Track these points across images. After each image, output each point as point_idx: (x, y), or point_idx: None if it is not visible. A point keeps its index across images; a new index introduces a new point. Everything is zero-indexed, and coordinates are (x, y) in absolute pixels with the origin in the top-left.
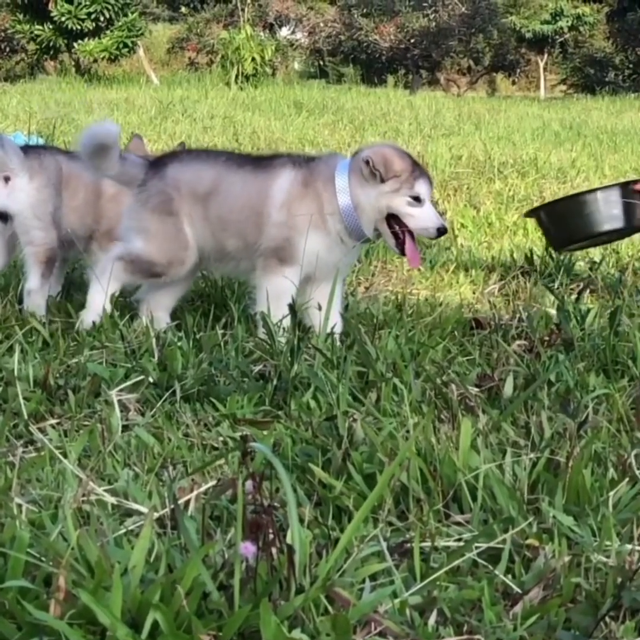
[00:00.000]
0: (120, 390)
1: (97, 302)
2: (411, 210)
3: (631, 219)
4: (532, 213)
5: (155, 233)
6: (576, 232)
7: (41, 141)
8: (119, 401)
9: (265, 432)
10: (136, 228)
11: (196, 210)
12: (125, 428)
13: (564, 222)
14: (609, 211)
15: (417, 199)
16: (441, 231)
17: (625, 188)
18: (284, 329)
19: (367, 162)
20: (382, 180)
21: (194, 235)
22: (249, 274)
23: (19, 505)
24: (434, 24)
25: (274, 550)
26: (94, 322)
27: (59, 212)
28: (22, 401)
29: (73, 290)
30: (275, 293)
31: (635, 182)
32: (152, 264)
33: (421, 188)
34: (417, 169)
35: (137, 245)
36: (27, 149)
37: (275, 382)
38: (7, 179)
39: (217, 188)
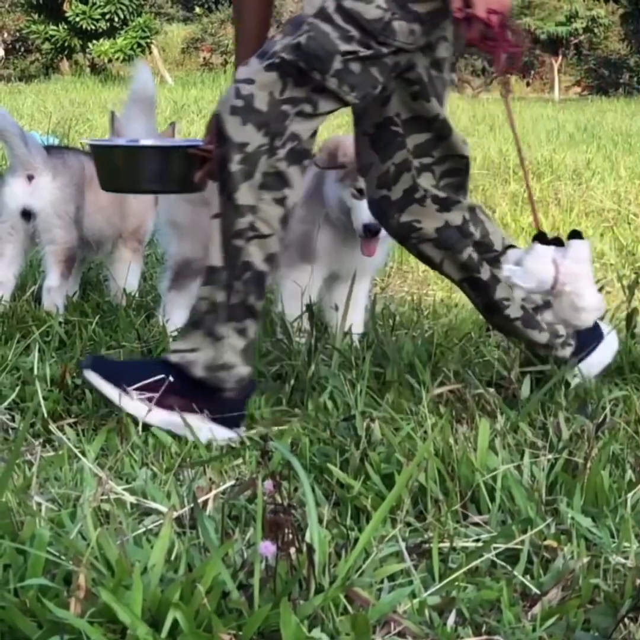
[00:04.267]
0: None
1: (176, 319)
2: (352, 203)
3: (172, 181)
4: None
5: (188, 226)
6: (119, 183)
7: (56, 141)
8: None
9: (280, 427)
10: (168, 222)
11: None
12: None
13: (111, 170)
14: (150, 171)
15: (360, 192)
16: (368, 228)
17: (177, 150)
18: (300, 329)
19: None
20: (319, 167)
21: None
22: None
23: (39, 504)
24: None
25: (292, 550)
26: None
27: (81, 212)
28: (41, 400)
29: (89, 290)
30: (293, 290)
31: (192, 146)
32: (191, 262)
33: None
34: None
35: (172, 251)
36: (50, 148)
37: (292, 382)
38: (30, 178)
39: None
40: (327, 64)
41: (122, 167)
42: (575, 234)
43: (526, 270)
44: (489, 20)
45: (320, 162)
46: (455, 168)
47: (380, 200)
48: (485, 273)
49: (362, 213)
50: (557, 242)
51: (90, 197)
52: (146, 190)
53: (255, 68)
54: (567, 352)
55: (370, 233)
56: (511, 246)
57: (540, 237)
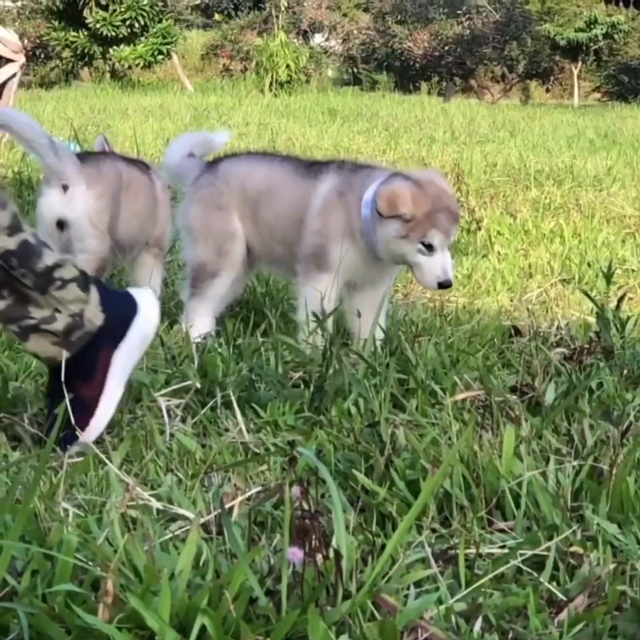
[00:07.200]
0: (163, 395)
1: (199, 325)
2: (419, 259)
3: None
4: None
5: (200, 229)
6: None
7: (77, 148)
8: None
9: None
10: (184, 227)
11: (246, 211)
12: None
13: None
14: None
15: (429, 247)
16: (443, 285)
17: None
18: (322, 335)
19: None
20: (381, 216)
21: (244, 231)
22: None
23: (66, 510)
24: (468, 31)
25: (319, 556)
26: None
27: (115, 221)
28: (69, 407)
29: None
30: (312, 299)
31: None
32: (205, 265)
33: (434, 237)
34: (435, 215)
35: (187, 257)
36: (85, 156)
37: (314, 388)
38: (65, 188)
39: (267, 192)
40: None
41: None
42: None
43: None
44: None
45: (381, 211)
46: None
47: None
48: None
49: (434, 270)
50: None
51: (128, 203)
52: None
53: None
54: None
55: (443, 288)
56: None
57: None
